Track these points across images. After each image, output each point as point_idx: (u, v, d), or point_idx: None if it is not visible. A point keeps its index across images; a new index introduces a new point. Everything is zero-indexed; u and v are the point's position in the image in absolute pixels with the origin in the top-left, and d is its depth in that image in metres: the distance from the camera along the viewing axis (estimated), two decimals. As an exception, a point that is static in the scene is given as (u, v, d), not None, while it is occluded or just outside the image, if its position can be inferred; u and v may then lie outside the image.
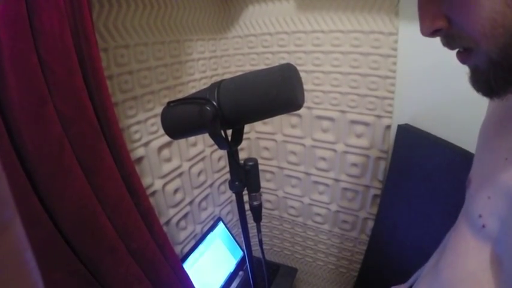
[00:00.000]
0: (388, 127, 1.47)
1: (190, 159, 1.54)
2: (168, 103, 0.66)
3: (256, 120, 0.63)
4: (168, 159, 1.41)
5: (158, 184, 1.36)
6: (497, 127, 0.64)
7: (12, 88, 0.70)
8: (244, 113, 0.59)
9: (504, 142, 0.58)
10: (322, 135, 1.65)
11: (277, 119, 1.74)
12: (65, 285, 0.80)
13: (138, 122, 1.24)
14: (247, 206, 0.70)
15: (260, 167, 0.70)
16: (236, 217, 2.03)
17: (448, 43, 0.50)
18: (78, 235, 0.83)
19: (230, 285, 1.64)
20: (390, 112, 1.44)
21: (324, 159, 1.70)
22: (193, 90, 1.52)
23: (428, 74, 1.27)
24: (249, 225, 0.77)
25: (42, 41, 0.74)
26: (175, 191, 1.46)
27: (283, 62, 1.61)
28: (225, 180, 1.88)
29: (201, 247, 1.52)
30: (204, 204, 1.70)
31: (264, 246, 0.80)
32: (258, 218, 0.73)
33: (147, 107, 1.27)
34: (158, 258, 1.07)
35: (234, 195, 1.87)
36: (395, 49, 1.33)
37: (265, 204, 2.02)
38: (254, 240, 0.76)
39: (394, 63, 1.36)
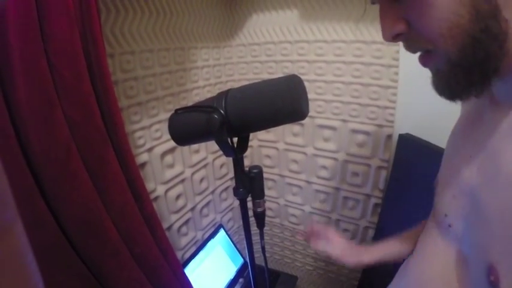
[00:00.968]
0: (389, 136, 1.48)
1: (192, 166, 1.55)
2: (176, 110, 0.67)
3: (262, 129, 0.64)
4: (171, 165, 1.42)
5: (161, 190, 1.36)
6: (464, 128, 0.66)
7: (21, 91, 0.71)
8: (250, 121, 0.60)
9: (469, 141, 0.60)
10: (323, 144, 1.66)
11: (279, 127, 1.74)
12: (68, 288, 0.81)
13: (143, 128, 1.25)
14: (250, 213, 0.71)
15: (262, 175, 0.71)
16: (237, 224, 2.03)
17: (409, 46, 0.52)
18: (82, 238, 0.84)
19: (230, 292, 1.64)
20: (391, 122, 1.45)
21: (325, 167, 1.70)
22: (197, 98, 1.54)
23: (429, 84, 1.27)
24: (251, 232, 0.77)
25: (52, 45, 0.75)
26: (178, 197, 1.46)
27: (286, 70, 1.63)
28: (227, 188, 1.88)
29: (201, 253, 1.52)
30: (205, 210, 1.71)
31: (265, 252, 0.80)
32: (261, 224, 0.74)
33: (152, 113, 1.28)
34: (161, 263, 1.07)
35: (235, 202, 1.87)
36: (396, 59, 1.35)
37: (267, 212, 2.01)
38: (255, 248, 0.77)
39: (396, 73, 1.37)
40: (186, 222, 1.55)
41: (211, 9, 1.56)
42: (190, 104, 1.48)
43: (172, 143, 1.38)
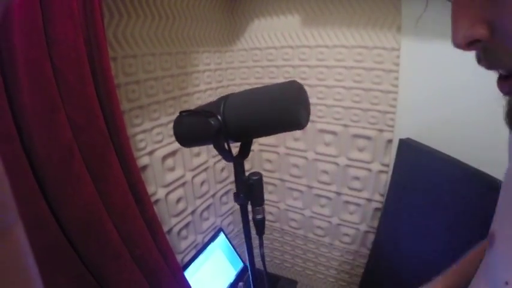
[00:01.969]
0: (390, 141, 1.48)
1: (193, 169, 1.55)
2: (181, 112, 0.67)
3: (260, 136, 0.64)
4: (172, 169, 1.42)
5: (161, 193, 1.37)
6: None
7: (26, 94, 0.72)
8: (247, 128, 0.60)
9: None
10: (324, 148, 1.67)
11: (280, 131, 1.75)
12: (69, 290, 0.81)
13: (144, 131, 1.25)
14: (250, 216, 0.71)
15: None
16: (237, 228, 2.03)
17: (487, 59, 0.35)
18: (84, 240, 0.84)
19: (230, 296, 1.63)
20: (392, 126, 1.46)
21: (326, 172, 1.70)
22: (199, 101, 1.54)
23: (429, 89, 1.29)
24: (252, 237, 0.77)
25: (56, 49, 0.76)
26: (178, 200, 1.47)
27: (287, 75, 1.64)
28: (227, 191, 1.88)
29: (201, 257, 1.52)
30: (205, 214, 1.71)
31: (265, 258, 0.80)
32: (261, 231, 0.72)
33: (153, 117, 1.29)
34: (161, 266, 1.07)
35: (235, 206, 1.87)
36: (397, 64, 1.35)
37: (267, 216, 2.02)
38: (255, 252, 0.76)
39: (396, 78, 1.38)
40: (186, 225, 1.55)
41: (213, 14, 1.58)
42: (192, 108, 1.49)
43: (173, 147, 1.39)
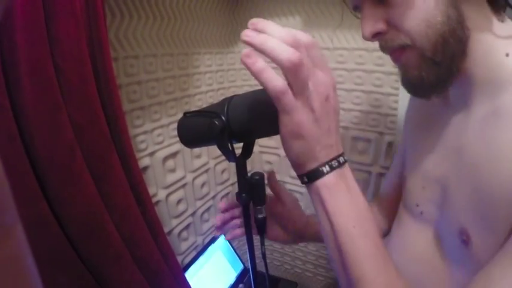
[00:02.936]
0: (391, 144, 1.48)
1: (194, 171, 1.55)
2: (185, 113, 0.68)
3: (263, 137, 0.65)
4: (173, 170, 1.42)
5: (162, 194, 1.36)
6: (420, 128, 0.75)
7: (27, 93, 0.71)
8: (250, 129, 0.61)
9: (429, 139, 0.70)
10: (325, 150, 1.66)
11: (280, 133, 1.75)
12: (69, 290, 0.81)
13: (145, 132, 1.25)
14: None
15: (263, 181, 0.71)
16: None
17: (386, 44, 0.60)
18: (84, 241, 0.84)
19: (230, 298, 1.63)
20: (393, 129, 1.46)
21: (326, 174, 1.70)
22: (200, 103, 1.54)
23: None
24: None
25: (59, 48, 0.76)
26: (179, 201, 1.46)
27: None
28: (228, 193, 1.88)
29: (201, 258, 1.52)
30: (206, 215, 1.70)
31: (266, 258, 0.81)
32: (262, 231, 0.74)
33: (154, 118, 1.29)
34: (162, 267, 1.07)
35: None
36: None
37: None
38: (256, 253, 0.76)
39: (397, 81, 1.37)
40: (187, 227, 1.55)
41: (215, 15, 1.58)
42: (192, 109, 1.49)
43: (174, 148, 1.39)
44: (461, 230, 0.56)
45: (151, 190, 1.29)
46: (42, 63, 0.73)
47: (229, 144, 0.63)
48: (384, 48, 0.62)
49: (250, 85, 1.76)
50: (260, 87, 0.56)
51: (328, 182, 0.52)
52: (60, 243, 0.79)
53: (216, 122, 0.60)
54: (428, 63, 0.55)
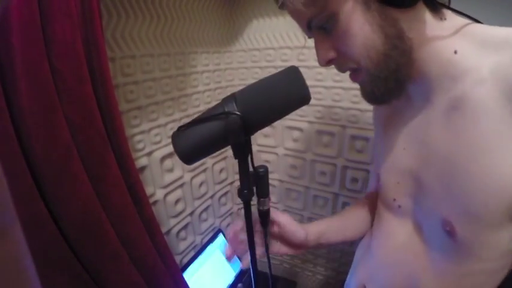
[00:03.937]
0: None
1: (192, 170, 1.55)
2: (179, 128, 0.66)
3: (276, 121, 0.66)
4: (170, 170, 1.42)
5: (160, 194, 1.36)
6: (388, 128, 0.79)
7: (23, 94, 0.71)
8: (266, 114, 0.63)
9: (399, 136, 0.73)
10: (323, 149, 1.66)
11: (279, 132, 1.76)
12: (66, 290, 0.81)
13: (142, 132, 1.25)
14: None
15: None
16: (236, 229, 2.03)
17: (339, 68, 0.67)
18: (81, 241, 0.84)
19: (229, 297, 1.63)
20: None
21: (324, 173, 1.70)
22: (197, 102, 1.54)
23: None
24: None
25: (54, 48, 0.76)
26: (177, 201, 1.46)
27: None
28: (226, 192, 1.88)
29: (200, 258, 1.52)
30: (204, 215, 1.70)
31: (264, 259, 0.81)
32: (266, 223, 0.75)
33: (151, 117, 1.29)
34: (159, 267, 1.07)
35: (234, 207, 1.86)
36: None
37: (265, 217, 2.01)
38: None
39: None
40: (185, 226, 1.55)
41: (212, 14, 1.58)
42: (190, 109, 1.49)
43: (171, 148, 1.38)
44: (444, 221, 0.59)
45: (149, 190, 1.29)
46: (38, 64, 0.73)
47: (246, 139, 0.63)
48: (339, 70, 0.68)
49: (248, 84, 1.76)
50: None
51: None
52: (57, 242, 0.79)
53: (234, 117, 0.60)
54: (376, 80, 0.60)
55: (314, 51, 0.67)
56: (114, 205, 0.92)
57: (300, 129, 1.70)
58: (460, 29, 0.58)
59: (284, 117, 0.64)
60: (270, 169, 1.87)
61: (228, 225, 1.96)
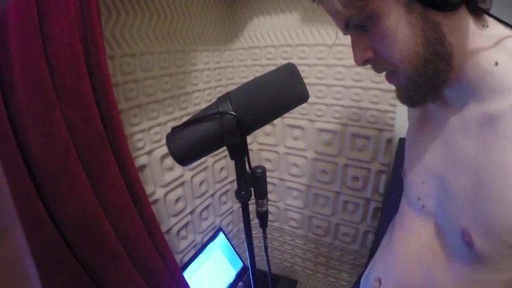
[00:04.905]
0: (390, 140, 1.47)
1: (192, 169, 1.54)
2: (173, 129, 0.64)
3: (272, 120, 0.66)
4: (171, 168, 1.41)
5: (160, 193, 1.36)
6: (419, 128, 0.79)
7: (21, 92, 0.71)
8: (262, 114, 0.62)
9: (427, 137, 0.73)
10: (324, 148, 1.66)
11: (279, 131, 1.75)
12: (65, 290, 0.80)
13: (142, 130, 1.25)
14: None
15: (262, 178, 0.71)
16: (237, 228, 2.02)
17: (376, 68, 0.64)
18: (80, 240, 0.83)
19: (229, 296, 1.63)
20: (392, 125, 1.45)
21: (325, 172, 1.70)
22: (198, 100, 1.54)
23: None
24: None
25: (52, 46, 0.75)
26: (177, 200, 1.46)
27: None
28: (227, 191, 1.87)
29: (201, 257, 1.52)
30: (204, 214, 1.70)
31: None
32: (264, 224, 0.74)
33: (151, 116, 1.28)
34: (159, 266, 1.07)
35: (234, 205, 1.86)
36: (397, 63, 1.35)
37: (266, 216, 2.01)
38: (255, 251, 0.76)
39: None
40: (186, 225, 1.55)
41: (212, 12, 1.57)
42: (190, 107, 1.48)
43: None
44: (463, 231, 0.58)
45: (149, 189, 1.29)
46: (35, 62, 0.72)
47: (242, 139, 0.62)
48: (375, 71, 0.66)
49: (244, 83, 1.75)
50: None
51: None
52: (56, 242, 0.79)
53: (229, 117, 0.59)
54: (413, 84, 0.59)
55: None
56: (113, 205, 0.91)
57: (300, 128, 1.69)
58: (502, 40, 0.56)
59: (284, 115, 0.63)
60: (270, 168, 1.88)
61: (229, 223, 1.96)
